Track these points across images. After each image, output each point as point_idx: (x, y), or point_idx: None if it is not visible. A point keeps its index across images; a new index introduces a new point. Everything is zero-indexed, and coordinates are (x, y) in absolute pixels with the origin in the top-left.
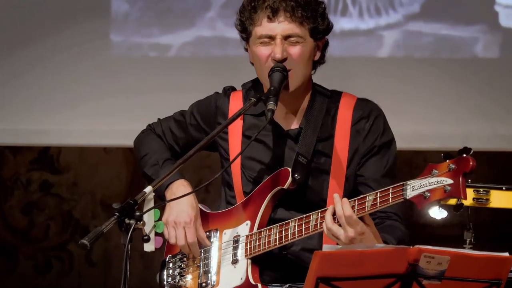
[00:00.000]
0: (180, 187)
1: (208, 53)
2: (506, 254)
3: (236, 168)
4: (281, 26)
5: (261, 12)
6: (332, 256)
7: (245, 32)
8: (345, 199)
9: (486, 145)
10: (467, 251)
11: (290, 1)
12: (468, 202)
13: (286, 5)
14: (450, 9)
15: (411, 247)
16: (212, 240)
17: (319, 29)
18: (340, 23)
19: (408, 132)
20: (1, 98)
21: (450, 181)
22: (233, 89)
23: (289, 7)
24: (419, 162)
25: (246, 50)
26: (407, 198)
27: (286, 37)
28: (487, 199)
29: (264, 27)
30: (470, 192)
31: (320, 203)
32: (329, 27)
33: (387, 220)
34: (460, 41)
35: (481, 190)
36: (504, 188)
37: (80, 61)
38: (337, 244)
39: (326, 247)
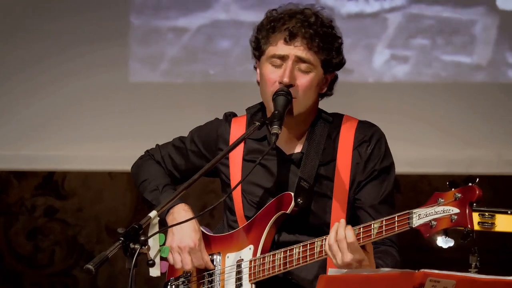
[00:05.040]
0: (181, 212)
1: (215, 78)
2: None
3: (237, 193)
4: (296, 49)
5: (279, 34)
6: (337, 280)
7: (259, 50)
8: (349, 226)
9: (491, 170)
10: (472, 275)
11: (309, 29)
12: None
13: (305, 32)
14: None
15: (417, 271)
16: (215, 263)
17: (332, 62)
18: (347, 7)
19: (413, 157)
20: (5, 124)
21: (456, 210)
22: (234, 115)
23: (308, 34)
24: (423, 187)
25: (255, 68)
26: (413, 226)
27: (298, 61)
28: (493, 223)
29: (279, 48)
30: (475, 216)
31: (323, 226)
32: (341, 63)
33: (382, 246)
34: (459, 23)
35: (486, 214)
36: (509, 212)
37: (84, 86)
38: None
39: (331, 271)
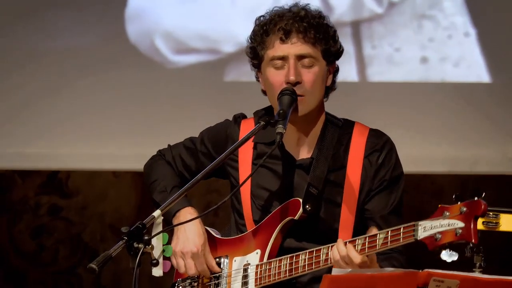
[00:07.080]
0: (187, 215)
1: (222, 75)
2: None
3: (246, 196)
4: (294, 47)
5: (273, 35)
6: (341, 279)
7: (257, 58)
8: (349, 245)
9: (495, 169)
10: (476, 274)
11: (302, 22)
12: (477, 225)
13: (299, 26)
14: None
15: (421, 270)
16: (221, 266)
17: (331, 51)
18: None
19: (416, 156)
20: (10, 123)
21: (461, 224)
22: (243, 116)
23: (302, 28)
24: (426, 186)
25: (257, 79)
26: (418, 239)
27: (299, 58)
28: (497, 223)
29: (277, 49)
30: None
31: (331, 233)
32: (340, 50)
33: (392, 252)
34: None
35: (491, 213)
36: None
37: (89, 85)
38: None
39: (335, 271)
